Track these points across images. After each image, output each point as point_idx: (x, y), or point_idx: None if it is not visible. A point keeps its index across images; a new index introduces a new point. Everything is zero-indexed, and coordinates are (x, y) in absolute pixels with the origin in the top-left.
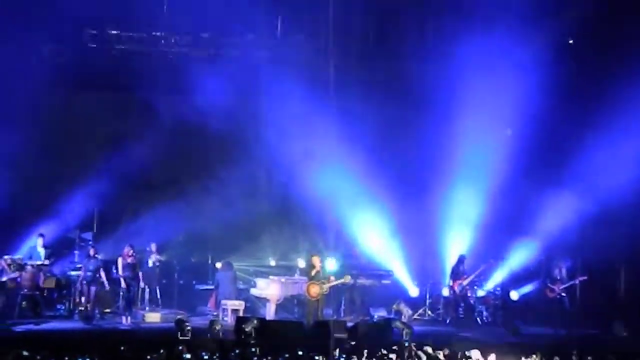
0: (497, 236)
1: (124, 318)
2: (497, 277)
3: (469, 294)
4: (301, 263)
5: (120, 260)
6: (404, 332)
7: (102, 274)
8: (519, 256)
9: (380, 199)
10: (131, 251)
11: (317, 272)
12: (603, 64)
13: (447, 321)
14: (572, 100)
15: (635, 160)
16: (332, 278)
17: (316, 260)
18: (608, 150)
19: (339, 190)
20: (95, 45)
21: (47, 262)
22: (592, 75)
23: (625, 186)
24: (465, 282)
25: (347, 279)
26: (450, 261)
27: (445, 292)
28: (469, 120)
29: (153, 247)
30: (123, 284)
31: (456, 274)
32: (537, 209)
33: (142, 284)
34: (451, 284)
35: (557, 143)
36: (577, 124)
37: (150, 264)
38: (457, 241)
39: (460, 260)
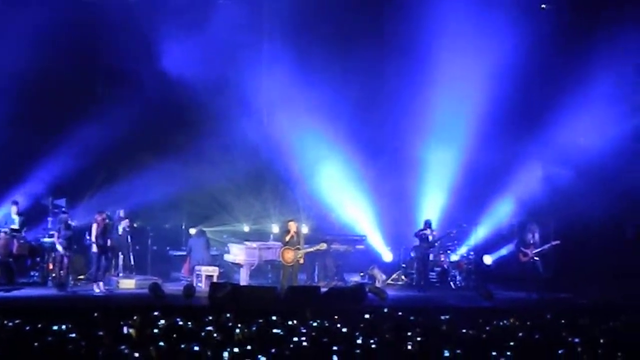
0: (471, 199)
1: (95, 285)
2: (470, 241)
3: (442, 259)
4: (275, 228)
5: (94, 227)
6: (378, 297)
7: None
8: (492, 220)
9: (354, 163)
10: (104, 218)
11: (292, 237)
12: (576, 29)
13: (420, 284)
14: (548, 63)
15: (610, 122)
16: (306, 245)
17: (292, 225)
18: (583, 112)
19: (312, 156)
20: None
21: (22, 232)
22: (565, 41)
23: (600, 149)
24: (425, 245)
25: (323, 247)
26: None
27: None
28: (444, 83)
29: (121, 213)
30: (96, 251)
31: (420, 237)
32: (511, 172)
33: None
34: (413, 247)
35: (532, 106)
36: (552, 86)
37: (120, 230)
38: (431, 205)
39: (426, 225)
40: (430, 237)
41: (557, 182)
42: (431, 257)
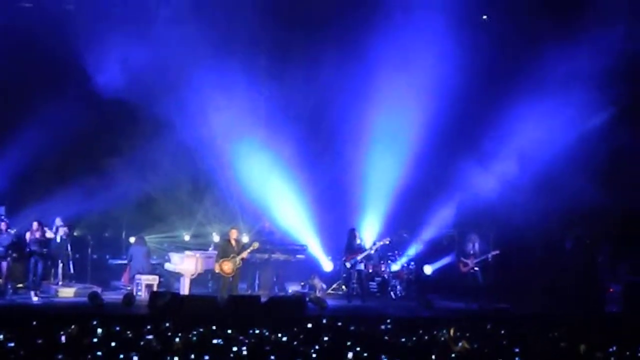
0: (412, 209)
1: (32, 293)
2: (411, 251)
3: (382, 269)
4: (216, 238)
5: (28, 235)
6: (318, 307)
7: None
8: (433, 230)
9: (294, 172)
10: (39, 226)
11: (232, 246)
12: (518, 39)
13: (352, 294)
14: (490, 72)
15: (552, 132)
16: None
17: (234, 232)
18: (524, 123)
19: (252, 165)
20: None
21: None
22: (507, 51)
23: (539, 161)
24: (359, 257)
25: (255, 246)
26: (365, 234)
27: (361, 266)
28: (385, 93)
29: (58, 221)
30: (32, 258)
31: (349, 248)
32: (453, 181)
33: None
34: (344, 259)
35: (474, 116)
36: (495, 96)
37: (58, 238)
38: (372, 215)
39: (352, 234)
40: (358, 241)
41: (498, 192)
42: (369, 267)
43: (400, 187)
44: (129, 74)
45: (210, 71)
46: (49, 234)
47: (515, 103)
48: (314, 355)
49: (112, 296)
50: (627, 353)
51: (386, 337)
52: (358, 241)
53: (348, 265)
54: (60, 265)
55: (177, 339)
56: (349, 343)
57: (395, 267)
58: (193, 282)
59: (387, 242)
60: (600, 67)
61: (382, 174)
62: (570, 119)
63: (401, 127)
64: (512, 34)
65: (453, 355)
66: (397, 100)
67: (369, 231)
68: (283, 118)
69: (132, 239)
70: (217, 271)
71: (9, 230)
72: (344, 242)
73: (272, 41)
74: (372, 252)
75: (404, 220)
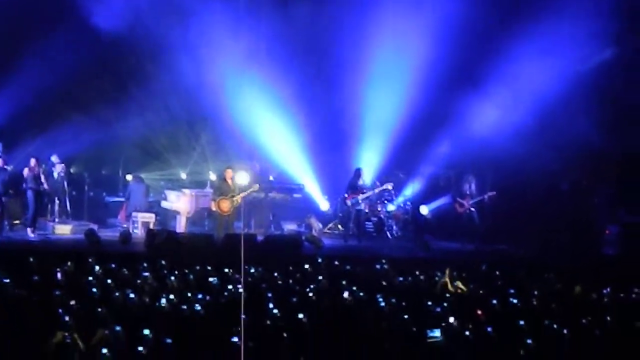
0: (410, 147)
1: (28, 230)
2: (407, 191)
3: (378, 209)
4: (212, 176)
5: (26, 172)
6: (314, 246)
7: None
8: (430, 169)
9: (292, 111)
10: (36, 163)
11: (228, 185)
12: None
13: (349, 234)
14: (494, 10)
15: (551, 74)
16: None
17: (229, 172)
18: (525, 62)
19: (249, 103)
20: None
21: None
22: None
23: (539, 101)
24: (360, 197)
25: (256, 187)
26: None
27: (361, 206)
28: (384, 31)
29: (54, 158)
30: (30, 196)
31: (352, 187)
32: (451, 120)
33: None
34: (346, 196)
35: (474, 53)
36: (497, 36)
37: (55, 175)
38: (369, 154)
39: (357, 173)
40: (361, 182)
41: (497, 132)
42: (366, 207)
43: (398, 126)
44: (127, 10)
45: (209, 7)
46: (43, 179)
47: (516, 42)
48: (310, 295)
49: (108, 234)
50: (621, 295)
51: (382, 278)
52: (361, 182)
53: (349, 203)
54: (57, 202)
55: (173, 277)
56: (344, 282)
57: (391, 207)
58: (189, 220)
59: (390, 188)
60: (603, 6)
61: (380, 113)
62: (571, 59)
63: (400, 66)
64: None
65: (448, 295)
66: (396, 38)
67: (366, 170)
68: (282, 55)
69: (128, 177)
70: (214, 209)
71: (5, 166)
72: (341, 182)
73: None
74: (373, 194)
75: (402, 159)
